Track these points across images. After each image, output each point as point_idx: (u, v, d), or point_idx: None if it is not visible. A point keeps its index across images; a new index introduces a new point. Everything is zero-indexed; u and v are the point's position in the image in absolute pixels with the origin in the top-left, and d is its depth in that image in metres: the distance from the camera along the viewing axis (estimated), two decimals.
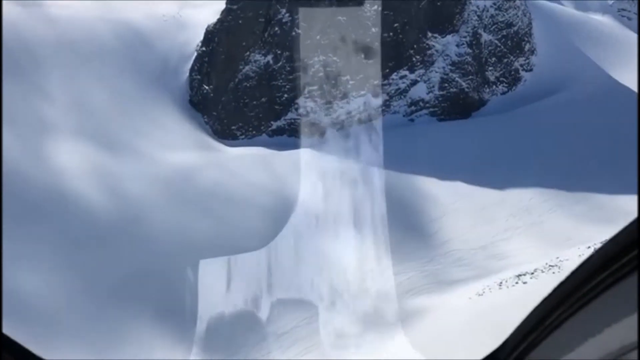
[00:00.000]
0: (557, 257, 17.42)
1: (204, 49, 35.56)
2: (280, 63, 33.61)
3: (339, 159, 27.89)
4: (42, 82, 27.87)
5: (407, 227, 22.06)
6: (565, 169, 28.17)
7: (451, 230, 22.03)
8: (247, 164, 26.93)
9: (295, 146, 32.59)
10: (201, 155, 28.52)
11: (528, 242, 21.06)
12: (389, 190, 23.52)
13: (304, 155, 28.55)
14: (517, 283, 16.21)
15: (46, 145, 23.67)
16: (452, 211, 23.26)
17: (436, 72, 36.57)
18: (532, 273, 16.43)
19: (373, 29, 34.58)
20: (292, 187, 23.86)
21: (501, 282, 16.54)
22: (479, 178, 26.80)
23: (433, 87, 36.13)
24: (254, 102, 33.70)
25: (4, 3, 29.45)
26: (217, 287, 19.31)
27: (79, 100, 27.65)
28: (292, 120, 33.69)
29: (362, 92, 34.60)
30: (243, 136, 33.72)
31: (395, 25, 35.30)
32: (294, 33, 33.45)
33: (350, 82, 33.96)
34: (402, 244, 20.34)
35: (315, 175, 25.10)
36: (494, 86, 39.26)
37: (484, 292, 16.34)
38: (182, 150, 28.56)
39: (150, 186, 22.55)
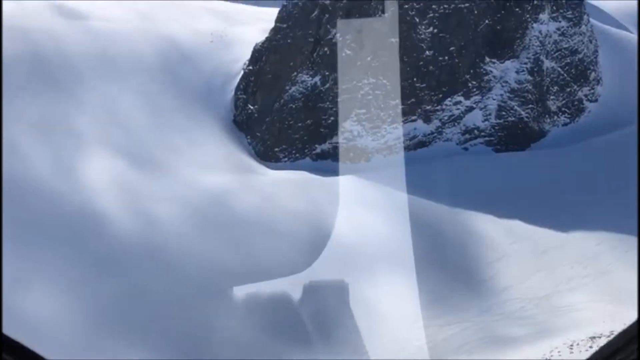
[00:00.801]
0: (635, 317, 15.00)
1: (250, 67, 34.54)
2: (328, 85, 32.17)
3: (385, 188, 26.01)
4: (81, 96, 27.33)
5: (458, 270, 19.91)
6: (636, 211, 25.40)
7: (509, 276, 19.71)
8: (286, 189, 25.41)
9: (339, 172, 31.00)
10: (239, 178, 27.20)
11: (597, 294, 18.55)
12: (438, 227, 21.56)
13: (347, 183, 26.84)
14: (591, 347, 13.88)
15: (79, 161, 22.82)
16: (509, 254, 20.94)
17: (493, 99, 34.36)
18: (609, 336, 14.06)
19: (427, 52, 32.84)
20: (331, 217, 22.14)
21: (572, 345, 14.25)
22: (539, 217, 24.33)
23: (489, 114, 33.92)
24: (299, 124, 32.31)
25: (47, 16, 29.39)
26: (241, 320, 17.75)
27: (116, 115, 26.91)
28: (338, 145, 32.07)
29: (413, 117, 32.76)
30: (286, 159, 32.30)
31: (451, 48, 33.40)
32: (343, 54, 32.03)
33: (401, 107, 32.20)
34: (452, 290, 18.22)
35: (357, 205, 23.33)
36: (556, 116, 36.64)
37: (551, 354, 14.06)
38: (220, 171, 27.33)
39: (182, 209, 21.26)
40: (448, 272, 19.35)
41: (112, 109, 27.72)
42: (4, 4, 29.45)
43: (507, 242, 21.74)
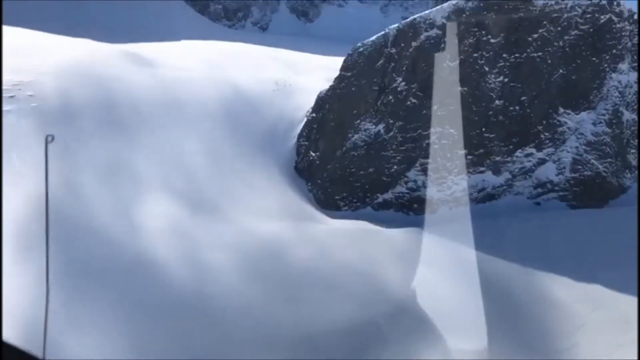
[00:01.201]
0: None
1: (314, 115, 34.36)
2: (392, 133, 31.39)
3: (450, 244, 24.53)
4: (147, 141, 27.81)
5: (533, 340, 18.07)
6: None
7: (590, 348, 17.64)
8: (345, 240, 24.41)
9: (402, 223, 29.76)
10: (297, 227, 26.47)
11: None
12: (509, 289, 19.87)
13: (410, 236, 25.57)
14: None
15: (139, 206, 22.88)
16: (589, 323, 18.87)
17: (568, 151, 32.40)
18: None
19: (497, 102, 31.56)
20: (391, 273, 20.93)
21: None
22: (620, 281, 22.03)
23: (564, 168, 31.93)
24: (361, 172, 31.51)
25: (119, 62, 30.52)
26: None
27: (179, 161, 27.11)
28: (401, 195, 30.96)
29: (481, 169, 31.28)
30: (347, 207, 31.43)
31: (523, 98, 31.98)
32: (409, 102, 31.30)
33: (468, 157, 30.86)
34: None
35: (419, 261, 21.97)
36: (636, 171, 34.09)
37: None
38: (278, 219, 26.76)
39: (236, 258, 20.67)
40: (521, 341, 17.57)
41: (176, 154, 28.00)
42: (81, 47, 30.95)
43: (586, 309, 19.66)
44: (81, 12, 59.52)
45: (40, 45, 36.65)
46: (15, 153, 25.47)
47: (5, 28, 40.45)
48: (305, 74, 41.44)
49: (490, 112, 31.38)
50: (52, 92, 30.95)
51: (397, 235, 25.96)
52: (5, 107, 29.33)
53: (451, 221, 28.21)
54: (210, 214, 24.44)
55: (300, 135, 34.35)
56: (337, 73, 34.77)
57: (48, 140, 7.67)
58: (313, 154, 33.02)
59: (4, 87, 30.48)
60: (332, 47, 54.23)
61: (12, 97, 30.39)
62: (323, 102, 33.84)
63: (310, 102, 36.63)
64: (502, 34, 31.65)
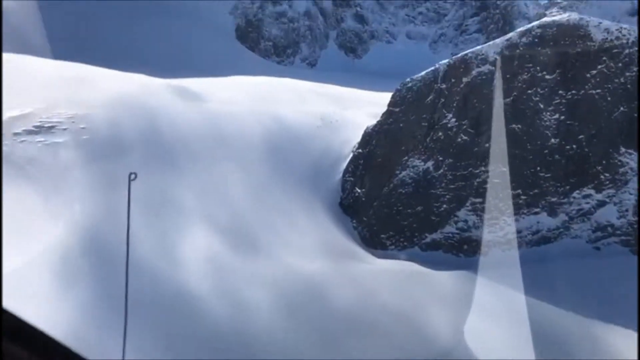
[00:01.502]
0: None
1: (360, 150, 33.76)
2: (441, 171, 30.36)
3: (502, 289, 23.10)
4: (192, 174, 27.77)
5: None
6: None
7: None
8: (390, 282, 23.34)
9: (451, 265, 28.46)
10: (340, 266, 25.57)
11: None
12: (566, 341, 18.32)
13: (459, 279, 24.28)
14: None
15: (182, 239, 22.59)
16: None
17: (630, 193, 30.46)
18: None
19: (553, 140, 30.15)
20: (438, 319, 19.70)
21: None
22: None
23: (626, 211, 29.98)
24: (409, 211, 30.48)
25: (168, 96, 30.89)
26: None
27: (223, 194, 26.88)
28: (450, 235, 29.69)
29: (536, 210, 29.72)
30: (393, 246, 30.36)
31: (580, 137, 30.46)
32: (459, 139, 30.30)
33: (522, 197, 29.42)
34: None
35: (469, 307, 20.65)
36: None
37: None
38: (320, 257, 25.94)
39: (274, 297, 19.92)
40: None
41: (220, 188, 27.82)
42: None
43: None
44: (138, 50, 61.60)
45: (95, 79, 37.66)
46: (62, 184, 25.84)
47: (62, 62, 42.08)
48: (352, 109, 41.10)
49: (546, 151, 29.97)
50: (103, 125, 31.48)
51: (446, 278, 24.71)
52: (57, 139, 30.00)
53: (503, 264, 26.74)
54: (252, 250, 23.91)
55: (345, 171, 33.75)
56: (384, 108, 34.24)
57: (131, 178, 7.58)
58: (359, 191, 32.27)
59: (59, 119, 31.35)
60: (380, 83, 54.03)
61: (65, 129, 31.08)
62: (370, 137, 33.24)
63: (357, 137, 36.10)
64: (557, 70, 30.44)
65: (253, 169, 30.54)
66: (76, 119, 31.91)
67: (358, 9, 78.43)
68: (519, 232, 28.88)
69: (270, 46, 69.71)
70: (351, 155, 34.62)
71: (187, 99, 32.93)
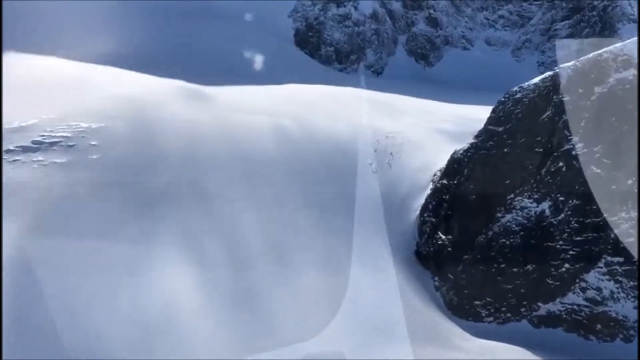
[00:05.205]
0: None
1: (444, 182, 25.67)
2: (563, 215, 21.79)
3: None
4: (223, 208, 21.78)
5: None
6: None
7: None
8: None
9: (577, 351, 20.31)
10: (417, 349, 18.17)
11: None
12: None
13: None
14: None
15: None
16: None
17: None
18: None
19: None
20: None
21: None
22: None
23: None
24: (515, 270, 22.03)
25: (196, 116, 24.64)
26: None
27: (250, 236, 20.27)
28: (576, 307, 21.04)
29: None
30: (491, 318, 22.08)
31: None
32: (590, 173, 21.65)
33: None
34: None
35: None
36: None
37: None
38: (392, 339, 18.42)
39: None
40: None
41: (252, 229, 21.16)
42: None
43: None
44: (187, 55, 56.11)
45: (119, 83, 31.79)
46: (46, 225, 19.27)
47: (84, 64, 36.81)
48: (426, 125, 33.42)
49: None
50: (120, 142, 25.30)
51: None
52: (60, 159, 23.75)
53: None
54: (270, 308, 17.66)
55: (424, 209, 25.72)
56: (470, 125, 26.38)
57: None
58: (443, 237, 24.13)
59: (66, 133, 25.35)
60: (455, 95, 46.52)
61: (71, 146, 24.86)
62: (459, 165, 25.08)
63: (436, 162, 28.27)
64: None
65: (297, 201, 23.46)
66: (88, 134, 25.65)
67: (431, 11, 70.11)
68: None
69: (331, 52, 62.55)
70: (431, 187, 26.61)
71: (221, 108, 26.31)
